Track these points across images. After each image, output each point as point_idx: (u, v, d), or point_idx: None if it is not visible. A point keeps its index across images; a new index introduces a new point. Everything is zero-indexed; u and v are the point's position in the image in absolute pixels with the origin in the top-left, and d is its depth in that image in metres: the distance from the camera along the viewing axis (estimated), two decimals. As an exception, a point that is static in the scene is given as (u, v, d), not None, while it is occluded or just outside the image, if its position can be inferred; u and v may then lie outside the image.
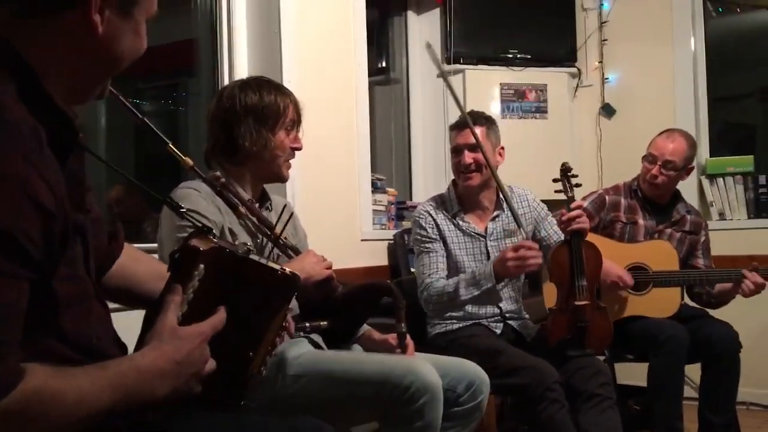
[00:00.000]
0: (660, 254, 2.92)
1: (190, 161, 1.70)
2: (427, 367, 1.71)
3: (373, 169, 3.57)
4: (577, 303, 2.46)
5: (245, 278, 1.09)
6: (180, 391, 0.99)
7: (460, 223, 2.65)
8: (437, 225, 2.63)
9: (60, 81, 0.97)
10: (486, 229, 2.66)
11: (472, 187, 2.62)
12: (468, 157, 2.58)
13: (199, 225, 1.10)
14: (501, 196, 2.68)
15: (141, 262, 1.31)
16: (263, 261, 1.12)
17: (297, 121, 1.97)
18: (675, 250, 2.92)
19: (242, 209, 1.85)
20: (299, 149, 1.99)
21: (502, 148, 2.67)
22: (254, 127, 1.88)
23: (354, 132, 3.35)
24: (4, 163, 0.82)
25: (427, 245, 2.62)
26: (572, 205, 2.51)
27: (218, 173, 1.88)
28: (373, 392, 1.67)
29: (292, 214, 2.02)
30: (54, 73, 0.96)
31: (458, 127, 2.64)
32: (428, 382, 1.67)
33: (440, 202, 2.71)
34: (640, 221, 2.99)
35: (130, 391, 0.92)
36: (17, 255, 0.83)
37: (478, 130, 2.57)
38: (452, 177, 2.77)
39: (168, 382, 0.97)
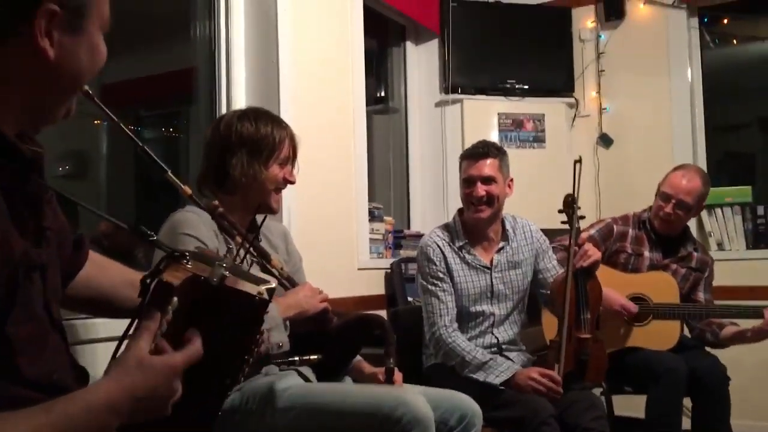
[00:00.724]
0: (661, 286, 2.90)
1: (188, 190, 1.70)
2: (419, 399, 1.69)
3: (371, 198, 3.57)
4: (580, 336, 2.45)
5: (220, 305, 1.04)
6: (140, 420, 0.93)
7: (467, 256, 2.62)
8: (445, 258, 2.60)
9: (12, 108, 0.94)
10: (491, 261, 2.64)
11: (482, 220, 2.60)
12: (481, 189, 2.55)
13: (169, 250, 1.05)
14: (507, 227, 2.68)
15: (107, 270, 1.27)
16: (238, 286, 1.06)
17: (292, 157, 1.98)
18: (675, 283, 2.91)
19: (239, 239, 1.84)
20: (292, 183, 1.99)
21: (511, 180, 2.66)
22: (246, 158, 1.89)
23: (352, 160, 3.36)
24: None
25: (435, 282, 2.58)
26: (580, 239, 2.49)
27: (216, 202, 1.87)
28: (364, 424, 1.65)
29: (264, 218, 2.01)
30: (5, 102, 0.93)
31: (472, 157, 2.61)
32: (420, 414, 1.65)
33: (447, 232, 2.67)
34: (646, 253, 2.98)
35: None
36: None
37: (490, 162, 2.56)
38: (455, 206, 2.75)
39: (122, 416, 0.90)
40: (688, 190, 2.91)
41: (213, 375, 1.06)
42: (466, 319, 2.60)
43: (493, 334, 2.61)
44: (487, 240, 2.67)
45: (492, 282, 2.61)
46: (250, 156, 1.89)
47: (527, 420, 2.21)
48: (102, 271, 1.25)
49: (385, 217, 3.66)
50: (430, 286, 2.58)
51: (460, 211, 2.70)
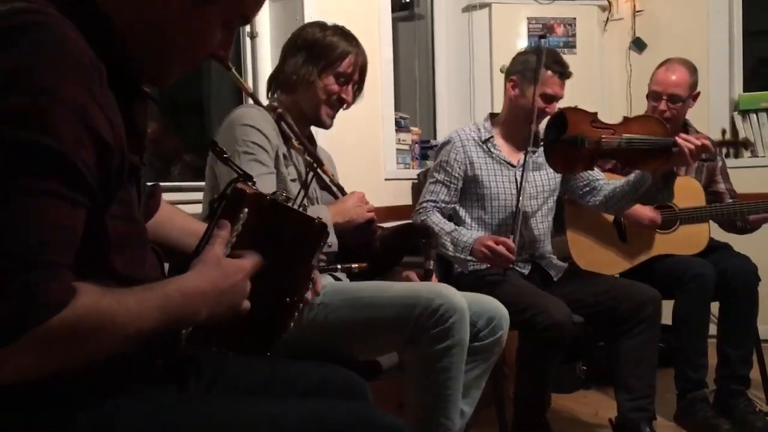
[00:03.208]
0: (686, 191, 2.87)
1: (250, 87, 1.75)
2: (453, 290, 1.74)
3: (397, 108, 3.53)
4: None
5: (284, 225, 1.11)
6: (222, 317, 1.01)
7: (492, 150, 2.64)
8: (468, 156, 2.62)
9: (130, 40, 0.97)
10: (519, 160, 2.63)
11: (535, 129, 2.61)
12: (555, 107, 2.56)
13: (241, 172, 1.13)
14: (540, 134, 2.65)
15: (174, 219, 1.32)
16: (300, 210, 1.15)
17: (357, 80, 1.98)
18: (700, 186, 2.89)
19: (296, 142, 1.89)
20: (346, 102, 1.99)
21: None
22: (303, 58, 1.91)
23: (377, 69, 3.30)
24: (65, 89, 0.82)
25: (443, 173, 2.63)
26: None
27: (276, 104, 1.93)
28: (402, 315, 1.69)
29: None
30: (125, 26, 0.96)
31: (563, 75, 2.57)
32: (456, 303, 1.70)
33: (476, 129, 2.69)
34: None
35: (174, 313, 0.93)
36: (75, 181, 0.84)
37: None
38: (482, 115, 2.74)
39: (209, 306, 0.98)
40: (676, 83, 2.87)
41: (274, 291, 1.11)
42: (498, 223, 2.62)
43: (522, 230, 2.60)
44: (518, 143, 2.65)
45: (517, 179, 2.61)
46: (307, 58, 1.91)
47: (547, 328, 2.22)
48: (170, 220, 1.29)
49: (411, 128, 3.63)
50: (435, 174, 2.66)
51: (492, 115, 2.72)
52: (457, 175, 2.62)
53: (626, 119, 2.50)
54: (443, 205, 2.62)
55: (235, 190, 1.08)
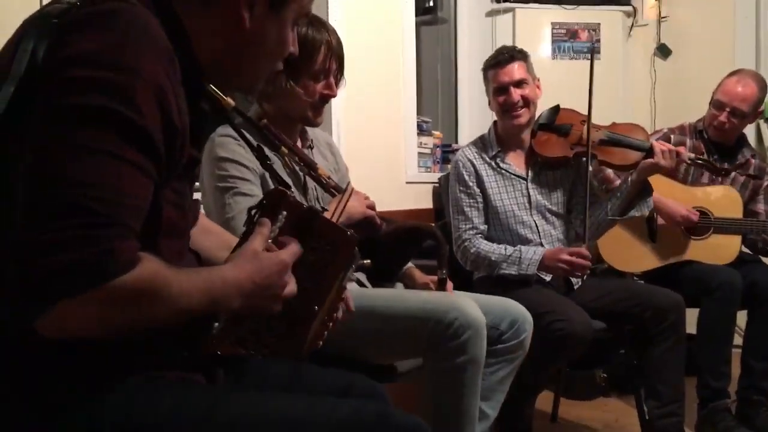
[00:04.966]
0: (724, 200, 2.84)
1: (231, 102, 1.70)
2: (470, 303, 1.71)
3: (419, 112, 3.53)
4: None
5: (318, 233, 1.13)
6: (255, 310, 1.03)
7: (501, 165, 2.61)
8: (476, 172, 2.60)
9: (209, 56, 1.04)
10: (527, 172, 2.61)
11: (522, 125, 2.58)
12: (516, 94, 2.53)
13: (279, 177, 1.18)
14: None
15: (210, 232, 1.35)
16: (333, 221, 1.20)
17: (334, 71, 1.83)
18: (740, 198, 2.85)
19: (284, 150, 1.84)
20: (332, 97, 1.86)
21: (539, 80, 2.63)
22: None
23: (400, 73, 3.31)
24: (147, 68, 0.88)
25: (463, 197, 2.60)
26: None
27: (261, 112, 1.86)
28: (416, 327, 1.68)
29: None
30: (205, 48, 1.03)
31: (499, 64, 2.56)
32: (471, 318, 1.67)
33: (480, 145, 2.68)
34: None
35: (215, 298, 0.96)
36: (151, 155, 0.89)
37: (518, 65, 2.54)
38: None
39: (245, 298, 0.99)
40: (743, 96, 2.82)
41: (302, 296, 1.12)
42: (512, 236, 2.58)
43: (543, 247, 2.57)
44: (522, 147, 2.64)
45: (529, 192, 2.59)
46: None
47: (565, 335, 2.18)
48: (206, 233, 1.33)
49: (433, 131, 3.62)
50: (458, 202, 2.61)
51: (495, 123, 2.70)
52: (479, 192, 2.60)
53: (614, 124, 2.62)
54: (481, 227, 2.58)
55: (275, 192, 1.12)
